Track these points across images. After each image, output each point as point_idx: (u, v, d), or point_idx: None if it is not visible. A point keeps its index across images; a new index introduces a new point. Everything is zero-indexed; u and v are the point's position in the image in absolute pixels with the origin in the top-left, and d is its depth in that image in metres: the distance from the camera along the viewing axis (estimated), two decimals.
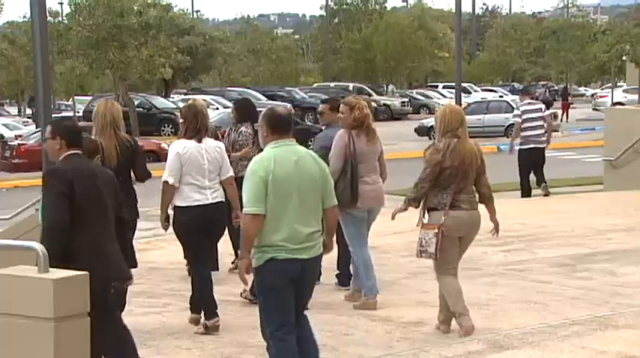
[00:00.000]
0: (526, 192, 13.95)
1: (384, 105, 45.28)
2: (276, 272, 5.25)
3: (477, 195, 6.78)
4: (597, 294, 7.99)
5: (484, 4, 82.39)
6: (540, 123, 13.54)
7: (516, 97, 38.85)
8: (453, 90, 36.22)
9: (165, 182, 7.01)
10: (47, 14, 15.55)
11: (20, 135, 30.56)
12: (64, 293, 4.92)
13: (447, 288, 6.83)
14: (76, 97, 42.58)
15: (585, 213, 12.90)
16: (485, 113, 32.75)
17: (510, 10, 79.07)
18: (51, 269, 5.00)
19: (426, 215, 6.74)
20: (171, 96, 48.69)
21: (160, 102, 37.17)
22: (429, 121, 33.34)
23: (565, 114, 41.68)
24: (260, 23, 69.53)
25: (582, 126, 36.16)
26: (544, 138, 13.60)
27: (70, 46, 33.42)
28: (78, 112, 39.85)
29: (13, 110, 54.29)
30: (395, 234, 10.74)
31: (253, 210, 5.20)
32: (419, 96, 50.96)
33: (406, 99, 47.50)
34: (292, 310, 5.33)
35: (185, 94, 46.56)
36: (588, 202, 14.60)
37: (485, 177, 6.81)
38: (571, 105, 43.30)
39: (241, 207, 5.56)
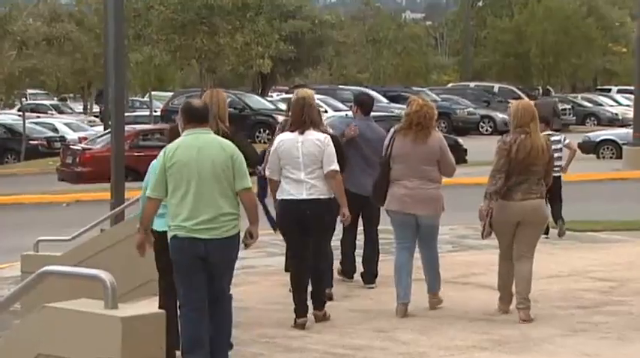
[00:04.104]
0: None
1: None
2: (177, 248, 7.10)
3: (542, 188, 8.86)
4: None
5: None
6: (558, 154, 14.47)
7: None
8: (631, 96, 35.41)
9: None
10: None
11: (85, 138, 31.55)
12: (135, 335, 5.04)
13: (499, 268, 9.10)
14: (153, 93, 43.68)
15: None
16: None
17: None
18: (120, 304, 5.12)
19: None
20: (270, 94, 49.40)
21: (255, 101, 37.32)
22: (599, 135, 32.74)
23: None
24: (383, 5, 69.91)
25: None
26: (557, 168, 14.53)
27: (149, 30, 34.24)
28: (155, 111, 40.86)
29: (78, 107, 56.09)
30: (549, 278, 10.60)
31: (149, 194, 7.21)
32: (585, 103, 50.14)
33: (568, 106, 46.82)
34: (200, 288, 7.08)
35: (286, 93, 47.15)
36: None
37: (551, 171, 8.97)
38: None
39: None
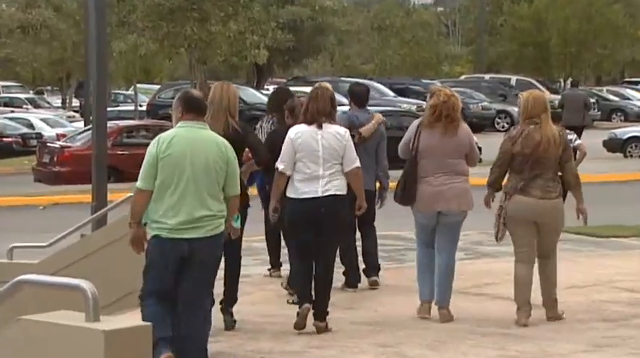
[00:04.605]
0: None
1: (560, 107, 44.73)
2: (158, 249, 7.35)
3: (559, 185, 9.13)
4: None
5: None
6: None
7: None
8: None
9: (276, 168, 8.97)
10: None
11: (64, 135, 31.55)
12: (119, 349, 5.06)
13: (514, 275, 9.23)
14: (138, 85, 43.70)
15: None
16: None
17: None
18: (103, 317, 5.14)
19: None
20: (266, 87, 49.39)
21: (250, 94, 37.38)
22: (626, 131, 32.73)
23: None
24: None
25: None
26: None
27: (134, 16, 34.23)
28: (140, 106, 40.90)
29: (56, 100, 56.10)
30: (570, 288, 10.63)
31: (139, 185, 7.33)
32: (611, 97, 50.16)
33: (593, 100, 46.81)
34: (167, 285, 7.34)
35: (284, 86, 47.13)
36: None
37: (570, 165, 9.22)
38: None
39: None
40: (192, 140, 7.35)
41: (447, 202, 9.24)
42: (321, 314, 8.99)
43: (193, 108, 7.48)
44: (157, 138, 7.46)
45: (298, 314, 8.88)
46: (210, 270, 7.51)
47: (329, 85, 9.48)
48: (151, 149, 7.36)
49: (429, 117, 9.29)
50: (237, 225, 8.22)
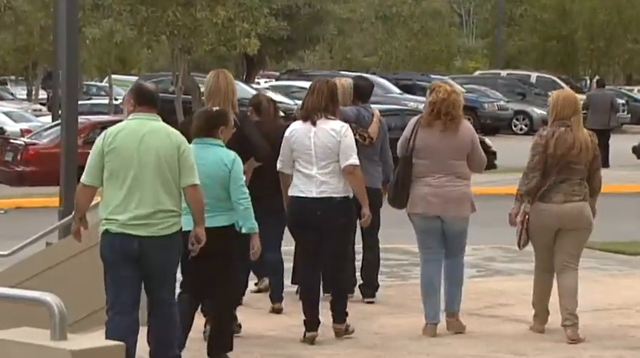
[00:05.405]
0: None
1: (585, 108, 44.73)
2: (108, 245, 7.68)
3: (585, 189, 9.39)
4: None
5: None
6: None
7: None
8: None
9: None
10: None
11: (29, 131, 31.54)
12: None
13: (534, 280, 9.59)
14: (113, 77, 43.75)
15: None
16: None
17: None
18: (70, 335, 5.15)
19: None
20: (257, 80, 49.46)
21: (238, 89, 37.42)
22: None
23: None
24: None
25: None
26: None
27: None
28: (116, 99, 40.94)
29: (21, 92, 56.10)
30: (594, 311, 10.64)
31: (83, 180, 7.74)
32: None
33: (622, 101, 46.87)
34: (129, 289, 7.65)
35: (277, 79, 47.17)
36: None
37: (599, 174, 9.49)
38: None
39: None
40: (140, 132, 7.65)
41: (445, 206, 9.38)
42: (339, 316, 9.24)
43: (146, 101, 7.79)
44: (105, 131, 7.80)
45: (305, 335, 9.20)
46: (168, 274, 7.73)
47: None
48: (97, 142, 7.72)
49: (428, 116, 9.47)
50: (250, 227, 8.39)
